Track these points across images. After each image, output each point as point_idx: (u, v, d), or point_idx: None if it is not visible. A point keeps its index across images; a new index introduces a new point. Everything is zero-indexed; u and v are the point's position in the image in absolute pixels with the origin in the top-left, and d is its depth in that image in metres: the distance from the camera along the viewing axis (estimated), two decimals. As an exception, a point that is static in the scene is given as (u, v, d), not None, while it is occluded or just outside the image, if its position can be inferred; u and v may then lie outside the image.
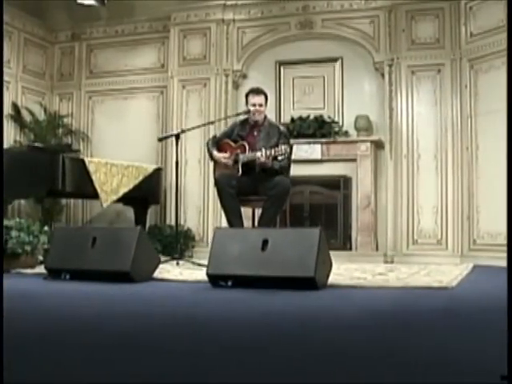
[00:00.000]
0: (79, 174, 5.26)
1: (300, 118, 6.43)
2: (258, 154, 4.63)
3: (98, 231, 3.98)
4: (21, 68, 6.94)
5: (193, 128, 5.34)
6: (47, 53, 7.37)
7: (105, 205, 5.60)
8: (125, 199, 6.02)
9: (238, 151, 4.92)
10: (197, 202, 6.62)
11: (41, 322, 2.41)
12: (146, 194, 6.16)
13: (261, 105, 4.95)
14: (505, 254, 5.29)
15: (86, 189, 5.35)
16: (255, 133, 4.99)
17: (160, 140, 5.07)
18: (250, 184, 4.84)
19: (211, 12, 6.72)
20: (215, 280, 3.51)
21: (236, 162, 4.91)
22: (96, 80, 7.34)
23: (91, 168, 5.43)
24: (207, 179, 6.59)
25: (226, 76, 6.69)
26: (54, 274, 3.91)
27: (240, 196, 4.83)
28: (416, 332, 2.23)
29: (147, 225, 6.45)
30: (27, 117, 6.87)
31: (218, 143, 5.15)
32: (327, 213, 6.36)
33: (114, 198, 5.67)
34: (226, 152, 5.04)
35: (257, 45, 6.70)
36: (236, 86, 6.76)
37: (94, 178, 5.43)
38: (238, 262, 3.48)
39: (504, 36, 5.43)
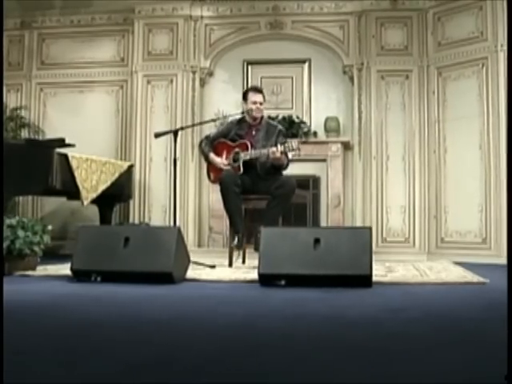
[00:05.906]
0: (65, 170, 5.00)
1: (269, 118, 6.46)
2: (273, 149, 4.61)
3: (129, 231, 3.81)
4: (-34, 55, 6.45)
5: (192, 125, 5.24)
6: (-7, 40, 6.89)
7: (85, 203, 5.35)
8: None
9: (239, 150, 4.89)
10: (162, 201, 6.49)
11: (116, 330, 2.28)
12: (117, 191, 5.94)
13: (261, 103, 4.97)
14: (475, 251, 5.70)
15: (69, 186, 5.09)
16: (253, 132, 4.99)
17: (157, 136, 4.92)
18: (251, 183, 4.83)
19: (178, 7, 6.60)
20: (267, 279, 3.49)
21: (235, 160, 4.88)
22: (48, 71, 6.96)
23: (74, 164, 5.17)
24: (173, 177, 6.46)
25: (194, 73, 6.60)
26: (81, 275, 3.70)
27: (241, 195, 4.81)
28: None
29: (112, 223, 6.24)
30: (-24, 108, 6.40)
31: (212, 143, 5.08)
32: (297, 212, 6.45)
33: (94, 195, 5.44)
34: (223, 151, 5.00)
35: (225, 43, 6.66)
36: (202, 83, 6.69)
37: (76, 174, 5.18)
38: (290, 261, 3.49)
39: (474, 47, 5.83)
